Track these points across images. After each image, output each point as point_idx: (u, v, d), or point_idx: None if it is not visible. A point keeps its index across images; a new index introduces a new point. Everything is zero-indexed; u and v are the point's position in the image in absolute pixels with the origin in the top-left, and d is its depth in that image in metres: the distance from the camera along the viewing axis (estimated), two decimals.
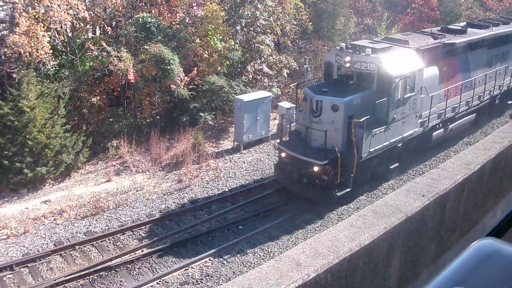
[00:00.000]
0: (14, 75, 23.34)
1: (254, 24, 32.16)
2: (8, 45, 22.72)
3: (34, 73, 23.33)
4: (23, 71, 22.66)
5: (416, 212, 10.01)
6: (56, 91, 24.58)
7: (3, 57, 23.35)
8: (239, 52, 30.30)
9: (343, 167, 19.79)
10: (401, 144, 22.45)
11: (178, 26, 30.16)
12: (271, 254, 17.57)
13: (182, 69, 27.25)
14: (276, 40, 35.23)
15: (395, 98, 20.99)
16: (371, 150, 20.56)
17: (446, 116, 25.18)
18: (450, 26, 29.28)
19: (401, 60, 21.59)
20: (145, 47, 26.77)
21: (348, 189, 20.33)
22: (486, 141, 14.46)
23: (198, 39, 29.72)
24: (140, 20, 27.49)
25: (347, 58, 21.14)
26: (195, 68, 28.79)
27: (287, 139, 22.19)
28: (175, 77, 26.59)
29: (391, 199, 10.51)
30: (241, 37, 32.46)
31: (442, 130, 25.53)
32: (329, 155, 19.68)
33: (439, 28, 29.03)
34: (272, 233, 19.11)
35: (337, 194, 20.00)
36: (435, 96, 23.92)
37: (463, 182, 11.53)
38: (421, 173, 22.88)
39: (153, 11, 29.13)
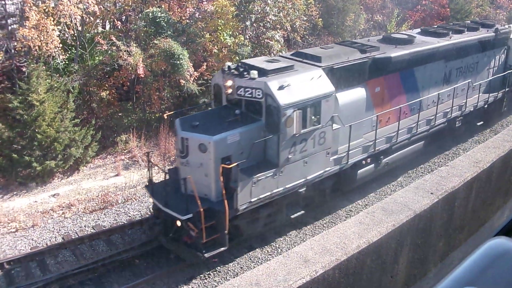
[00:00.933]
0: (24, 69, 23.42)
1: (264, 20, 32.09)
2: (18, 39, 22.80)
3: (44, 67, 23.38)
4: (32, 65, 22.71)
5: (424, 210, 9.99)
6: (65, 85, 24.64)
7: (13, 51, 23.42)
8: (249, 47, 30.27)
9: (216, 222, 15.99)
10: (304, 189, 18.11)
11: (187, 21, 30.15)
12: (279, 250, 17.57)
13: (192, 64, 27.25)
14: (285, 36, 35.15)
15: (287, 133, 16.57)
16: (253, 199, 16.37)
17: (378, 148, 20.53)
18: (394, 35, 24.43)
19: (300, 84, 16.92)
20: (155, 41, 26.77)
21: (222, 248, 16.23)
22: (496, 139, 14.39)
23: (208, 34, 29.72)
24: (150, 14, 27.50)
25: (229, 83, 17.08)
26: (205, 63, 28.79)
27: (166, 177, 18.46)
28: (185, 72, 26.58)
29: (399, 196, 10.49)
30: (251, 33, 32.42)
31: (372, 166, 20.84)
32: (194, 207, 15.54)
33: (381, 37, 24.36)
34: (281, 229, 19.09)
35: (204, 255, 15.91)
36: (357, 126, 19.47)
37: (472, 180, 11.49)
38: (430, 170, 22.80)
39: (163, 6, 29.12)
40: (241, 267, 16.81)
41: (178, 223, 15.96)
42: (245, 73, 16.91)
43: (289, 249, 12.13)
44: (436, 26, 29.17)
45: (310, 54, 19.24)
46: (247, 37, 31.68)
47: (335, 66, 18.68)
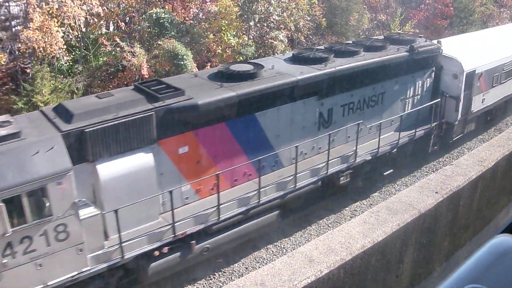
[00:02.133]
0: (28, 70, 23.51)
1: (268, 20, 32.10)
2: (22, 40, 22.87)
3: (48, 68, 23.46)
4: (37, 67, 22.79)
5: (429, 209, 9.98)
6: (69, 86, 24.70)
7: (17, 52, 23.49)
8: (253, 47, 30.29)
9: None
10: None
11: (191, 21, 30.20)
12: (284, 250, 17.55)
13: (196, 65, 27.28)
14: (289, 36, 35.16)
15: None
16: None
17: (182, 232, 14.70)
18: (234, 67, 17.37)
19: (15, 163, 11.79)
20: (159, 42, 26.82)
21: None
22: (500, 138, 14.37)
23: (212, 34, 29.76)
24: (154, 15, 27.56)
25: None
26: (209, 64, 28.82)
27: None
28: (189, 72, 26.62)
29: (404, 195, 10.49)
30: (255, 33, 32.43)
31: (176, 255, 14.96)
32: None
33: (216, 71, 17.63)
34: (285, 229, 19.07)
35: None
36: (142, 206, 13.94)
37: (476, 179, 11.48)
38: (434, 169, 22.75)
39: (166, 7, 29.19)
40: (246, 267, 16.80)
41: None
42: None
43: (294, 249, 12.13)
44: (315, 49, 20.83)
45: (61, 111, 13.75)
46: (251, 37, 31.69)
47: (88, 129, 12.97)
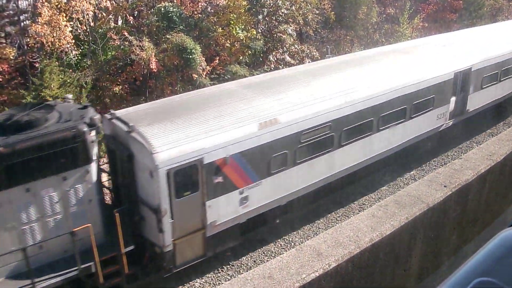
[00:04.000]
0: (37, 65, 23.58)
1: (276, 13, 32.08)
2: (30, 35, 22.95)
3: (57, 63, 23.49)
4: (45, 61, 22.83)
5: (438, 203, 9.98)
6: (78, 81, 24.74)
7: (25, 47, 23.56)
8: (261, 41, 30.27)
9: None
10: None
11: (200, 15, 30.17)
12: (292, 244, 17.55)
13: (204, 59, 27.28)
14: (298, 29, 35.11)
15: None
16: None
17: None
18: None
19: None
20: (167, 36, 26.82)
21: None
22: (509, 132, 14.34)
23: (220, 28, 29.74)
24: (162, 9, 27.56)
25: None
26: (217, 58, 28.82)
27: None
28: (197, 66, 26.62)
29: (413, 189, 10.49)
30: (263, 27, 32.40)
31: None
32: None
33: None
34: (294, 222, 19.06)
35: None
36: None
37: (485, 173, 11.47)
38: (443, 163, 22.68)
39: (175, 1, 29.17)
40: (254, 261, 16.82)
41: None
42: None
43: (302, 243, 12.15)
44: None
45: None
46: (259, 31, 31.67)
47: None
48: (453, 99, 22.47)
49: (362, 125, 18.07)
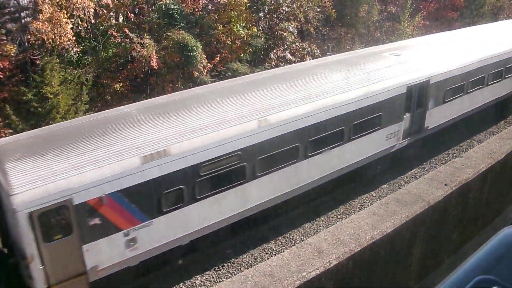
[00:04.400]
0: (38, 62, 23.58)
1: (277, 11, 32.07)
2: (31, 32, 22.92)
3: (57, 60, 23.49)
4: (46, 58, 22.83)
5: (438, 201, 9.97)
6: (79, 78, 24.75)
7: (26, 44, 23.55)
8: (262, 39, 30.27)
9: None
10: None
11: (201, 12, 30.16)
12: (293, 241, 17.56)
13: (205, 56, 27.28)
14: (299, 27, 35.10)
15: None
16: None
17: None
18: None
19: None
20: (168, 33, 26.83)
21: None
22: (510, 130, 14.32)
23: (221, 26, 29.73)
24: (163, 6, 27.55)
25: None
26: (218, 55, 28.82)
27: None
28: (198, 63, 26.62)
29: (413, 187, 10.48)
30: (264, 24, 32.39)
31: None
32: None
33: None
34: (294, 219, 19.06)
35: None
36: None
37: (486, 171, 11.45)
38: (444, 162, 22.67)
39: None
40: (255, 258, 16.83)
41: None
42: None
43: (302, 240, 12.15)
44: None
45: None
46: (260, 29, 31.66)
47: None
48: (407, 115, 20.38)
49: (284, 152, 15.94)
